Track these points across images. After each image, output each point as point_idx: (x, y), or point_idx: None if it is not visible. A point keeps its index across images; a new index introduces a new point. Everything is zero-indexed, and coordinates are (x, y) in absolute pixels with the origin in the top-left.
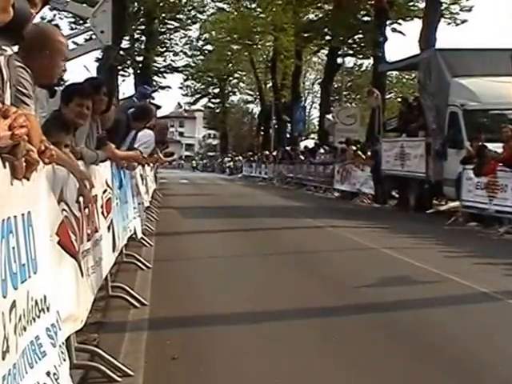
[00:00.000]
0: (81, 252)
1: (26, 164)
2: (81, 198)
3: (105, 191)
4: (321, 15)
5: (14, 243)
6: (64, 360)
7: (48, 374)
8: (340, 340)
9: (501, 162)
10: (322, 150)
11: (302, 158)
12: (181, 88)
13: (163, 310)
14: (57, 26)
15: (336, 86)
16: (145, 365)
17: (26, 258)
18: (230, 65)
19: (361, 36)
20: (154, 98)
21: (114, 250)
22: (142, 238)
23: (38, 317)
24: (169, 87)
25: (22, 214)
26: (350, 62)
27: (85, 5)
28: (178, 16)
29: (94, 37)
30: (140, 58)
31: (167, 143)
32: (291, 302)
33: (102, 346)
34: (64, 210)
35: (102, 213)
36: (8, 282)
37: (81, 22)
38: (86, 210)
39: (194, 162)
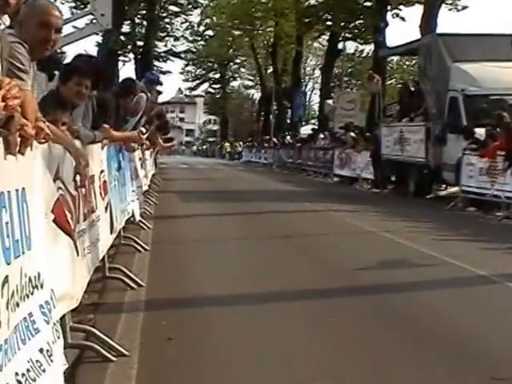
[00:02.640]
0: (77, 231)
1: (20, 139)
2: (77, 177)
3: (102, 171)
4: (322, 0)
5: (7, 218)
6: (58, 338)
7: (41, 350)
8: (338, 321)
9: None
10: (321, 136)
11: (299, 144)
12: (181, 73)
13: (160, 292)
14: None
15: (336, 71)
16: (140, 345)
17: (20, 234)
18: (231, 50)
19: (361, 21)
20: (162, 84)
21: (111, 232)
22: (140, 220)
23: (32, 293)
24: (169, 72)
25: (16, 190)
26: (350, 48)
27: None
28: (178, 1)
29: (94, 21)
30: (141, 43)
31: (168, 129)
32: (289, 284)
33: (98, 327)
34: (60, 188)
35: (100, 193)
36: (0, 257)
37: (81, 6)
38: (83, 190)
39: (194, 147)
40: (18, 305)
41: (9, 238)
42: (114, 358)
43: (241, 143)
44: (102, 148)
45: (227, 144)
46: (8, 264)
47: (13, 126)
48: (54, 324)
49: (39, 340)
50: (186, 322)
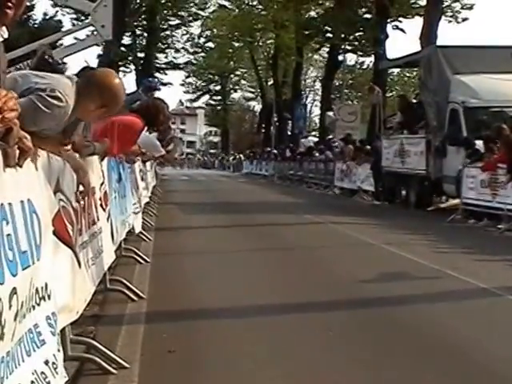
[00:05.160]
0: (80, 243)
1: (19, 151)
2: (81, 187)
3: (102, 183)
4: (322, 12)
5: (9, 230)
6: (58, 351)
7: (46, 362)
8: (338, 334)
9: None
10: (321, 146)
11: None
12: (182, 85)
13: (161, 304)
14: (59, 21)
15: (337, 83)
16: (141, 357)
17: (28, 245)
18: (232, 62)
19: (362, 33)
20: (160, 90)
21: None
22: (141, 232)
23: (38, 304)
24: (170, 84)
25: (21, 201)
26: (351, 59)
27: (86, 0)
28: (179, 13)
29: (95, 33)
30: (141, 55)
31: (168, 139)
32: (290, 296)
33: (99, 339)
34: (61, 199)
35: (101, 205)
36: (4, 269)
37: (82, 18)
38: (85, 201)
39: (196, 159)
40: (24, 316)
41: (12, 250)
42: (114, 371)
43: (241, 156)
44: (102, 159)
45: (232, 157)
46: (14, 276)
47: (11, 138)
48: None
49: (45, 352)
50: (187, 335)
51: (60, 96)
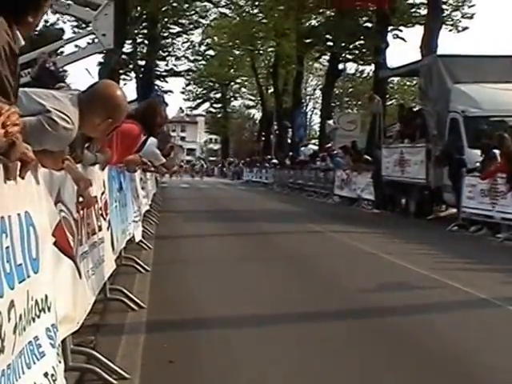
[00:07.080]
0: (80, 253)
1: (20, 163)
2: (80, 199)
3: (103, 193)
4: (323, 21)
5: (7, 243)
6: (59, 362)
7: (46, 375)
8: (338, 344)
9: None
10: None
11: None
12: (182, 93)
13: (161, 314)
14: (61, 29)
15: (337, 92)
16: (141, 368)
17: (23, 257)
18: (232, 70)
19: (362, 42)
20: (167, 104)
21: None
22: (141, 241)
23: (38, 316)
24: (171, 91)
25: (18, 214)
26: (351, 68)
27: (87, 8)
28: (180, 21)
29: (96, 40)
30: (142, 62)
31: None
32: (290, 305)
33: (99, 349)
34: (62, 210)
35: (102, 215)
36: (3, 282)
37: (83, 25)
38: (85, 212)
39: (196, 166)
40: (24, 329)
41: (9, 262)
42: (114, 382)
43: (241, 163)
44: (103, 169)
45: (232, 165)
46: (12, 289)
47: (13, 152)
48: (57, 347)
49: (44, 364)
50: (188, 345)
51: (67, 119)
